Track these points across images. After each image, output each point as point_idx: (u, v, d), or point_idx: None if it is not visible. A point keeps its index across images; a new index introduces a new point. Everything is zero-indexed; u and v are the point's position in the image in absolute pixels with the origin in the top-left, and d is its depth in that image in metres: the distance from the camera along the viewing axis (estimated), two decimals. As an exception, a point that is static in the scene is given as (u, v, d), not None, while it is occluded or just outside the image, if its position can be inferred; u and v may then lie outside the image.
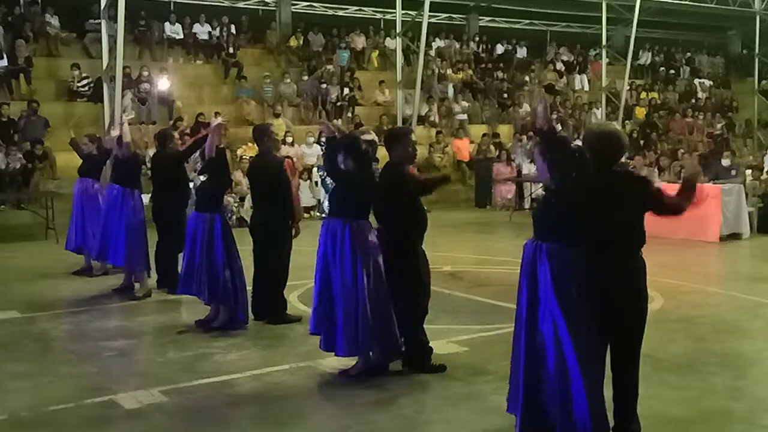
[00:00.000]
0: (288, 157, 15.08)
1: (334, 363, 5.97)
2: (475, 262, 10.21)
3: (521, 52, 24.41)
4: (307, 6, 23.14)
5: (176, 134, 9.86)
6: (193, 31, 19.64)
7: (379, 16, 24.21)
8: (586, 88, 24.36)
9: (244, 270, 7.15)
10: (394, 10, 19.43)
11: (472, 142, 19.55)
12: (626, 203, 4.19)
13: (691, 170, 4.43)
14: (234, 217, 14.35)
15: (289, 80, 19.18)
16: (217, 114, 15.44)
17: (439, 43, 23.06)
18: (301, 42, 21.07)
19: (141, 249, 8.76)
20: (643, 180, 4.41)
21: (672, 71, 26.72)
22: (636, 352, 4.26)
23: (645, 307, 4.26)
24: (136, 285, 8.71)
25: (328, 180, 16.18)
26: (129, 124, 9.29)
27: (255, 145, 8.05)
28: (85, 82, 16.93)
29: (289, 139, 16.76)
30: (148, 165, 12.18)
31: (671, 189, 4.44)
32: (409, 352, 5.78)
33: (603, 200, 4.18)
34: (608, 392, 4.19)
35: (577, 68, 24.73)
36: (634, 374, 4.27)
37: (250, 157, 12.20)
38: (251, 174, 7.66)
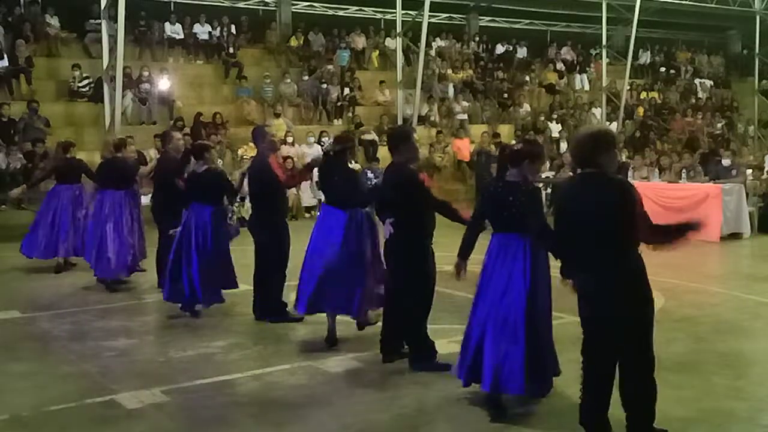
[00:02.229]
0: (289, 157, 15.21)
1: (335, 363, 5.99)
2: (477, 262, 10.21)
3: (521, 52, 24.41)
4: (308, 6, 23.14)
5: (179, 134, 9.96)
6: (194, 31, 19.65)
7: (379, 16, 24.20)
8: (587, 88, 24.36)
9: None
10: (395, 10, 19.42)
11: (472, 141, 19.54)
12: (606, 204, 4.15)
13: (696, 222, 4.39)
14: (234, 216, 14.32)
15: (289, 80, 19.18)
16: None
17: (439, 43, 23.05)
18: (302, 42, 21.07)
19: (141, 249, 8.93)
20: (628, 192, 4.17)
21: (672, 71, 26.72)
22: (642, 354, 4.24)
23: (640, 307, 4.22)
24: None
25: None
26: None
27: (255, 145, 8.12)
28: (85, 82, 16.94)
29: (290, 139, 16.76)
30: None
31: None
32: (414, 351, 5.80)
33: (582, 199, 4.23)
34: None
35: (578, 68, 24.74)
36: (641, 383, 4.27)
37: (251, 157, 12.25)
38: (249, 174, 7.72)
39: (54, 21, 18.15)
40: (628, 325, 4.16)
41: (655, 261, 4.60)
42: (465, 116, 20.52)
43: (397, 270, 5.81)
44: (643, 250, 4.22)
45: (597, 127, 4.74)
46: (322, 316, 7.48)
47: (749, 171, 14.80)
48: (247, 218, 9.37)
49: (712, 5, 22.76)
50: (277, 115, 17.81)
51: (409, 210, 5.73)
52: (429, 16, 18.52)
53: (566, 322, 5.77)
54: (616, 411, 4.31)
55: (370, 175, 16.73)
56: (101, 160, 9.85)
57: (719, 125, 23.98)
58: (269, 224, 7.30)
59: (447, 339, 6.31)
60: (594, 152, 4.22)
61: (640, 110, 23.63)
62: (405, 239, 5.72)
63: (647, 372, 4.23)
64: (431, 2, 17.99)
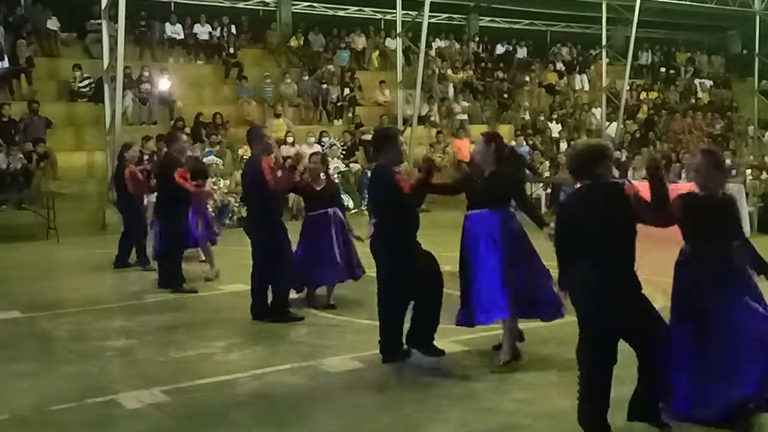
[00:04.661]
0: (289, 157, 15.20)
1: (335, 363, 5.99)
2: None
3: (521, 52, 24.41)
4: (308, 6, 23.15)
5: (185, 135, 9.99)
6: (194, 31, 19.66)
7: (379, 16, 24.21)
8: (586, 88, 24.36)
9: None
10: (395, 11, 19.43)
11: (472, 142, 19.54)
12: (605, 214, 4.26)
13: (648, 161, 4.44)
14: (234, 217, 14.37)
15: (289, 80, 19.19)
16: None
17: (439, 43, 23.07)
18: (302, 42, 21.08)
19: None
20: (624, 199, 4.30)
21: (672, 71, 26.72)
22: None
23: (638, 309, 4.30)
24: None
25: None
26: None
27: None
28: (86, 82, 16.94)
29: (290, 139, 16.78)
30: None
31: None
32: (413, 330, 5.91)
33: (582, 211, 4.34)
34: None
35: (578, 68, 24.74)
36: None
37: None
38: (242, 176, 7.72)
39: (54, 21, 18.16)
40: (625, 323, 4.25)
41: (655, 261, 4.62)
42: (465, 116, 20.53)
43: (382, 270, 5.87)
44: (638, 251, 4.27)
45: (592, 141, 4.78)
46: (322, 316, 7.51)
47: (749, 171, 14.80)
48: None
49: (712, 5, 22.74)
50: (278, 116, 17.83)
51: (388, 211, 5.80)
52: (429, 16, 18.50)
53: (566, 322, 5.77)
54: (616, 412, 4.33)
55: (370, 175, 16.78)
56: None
57: (719, 125, 23.97)
58: (264, 225, 7.31)
59: (446, 339, 6.31)
60: (592, 164, 4.33)
61: (644, 108, 23.63)
62: (386, 240, 5.78)
63: (653, 358, 4.33)
64: (431, 2, 17.98)
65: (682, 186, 13.62)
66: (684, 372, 4.44)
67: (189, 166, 9.47)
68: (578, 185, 4.46)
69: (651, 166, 4.32)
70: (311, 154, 8.41)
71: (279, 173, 7.35)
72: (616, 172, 15.03)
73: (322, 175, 7.96)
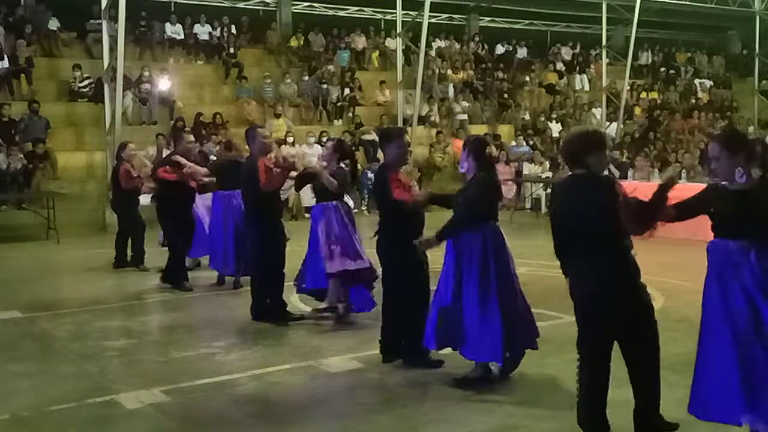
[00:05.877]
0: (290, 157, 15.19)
1: (335, 363, 5.99)
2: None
3: (521, 52, 24.42)
4: (308, 6, 23.15)
5: (191, 136, 9.82)
6: (194, 31, 19.67)
7: (379, 16, 24.23)
8: (587, 88, 24.38)
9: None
10: (395, 11, 19.43)
11: (472, 142, 19.55)
12: (595, 204, 4.15)
13: (669, 175, 4.01)
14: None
15: (289, 80, 19.19)
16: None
17: (439, 43, 23.07)
18: (302, 42, 21.10)
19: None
20: (613, 190, 4.10)
21: (672, 71, 26.74)
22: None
23: (636, 303, 4.23)
24: None
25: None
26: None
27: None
28: (86, 82, 16.94)
29: (290, 140, 16.78)
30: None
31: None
32: (406, 348, 5.84)
33: (572, 201, 4.25)
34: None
35: (578, 68, 24.75)
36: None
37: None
38: (241, 176, 7.70)
39: (55, 21, 18.17)
40: (624, 322, 4.21)
41: (655, 261, 4.62)
42: (465, 116, 20.53)
43: (386, 269, 5.89)
44: (637, 252, 4.23)
45: (587, 127, 4.68)
46: (322, 316, 7.50)
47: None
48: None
49: (712, 5, 22.76)
50: (278, 116, 17.84)
51: (387, 211, 5.82)
52: (429, 16, 18.52)
53: (566, 322, 5.77)
54: (616, 411, 4.33)
55: (370, 175, 16.79)
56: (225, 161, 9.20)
57: (719, 125, 23.98)
58: (262, 225, 7.32)
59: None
60: (582, 152, 4.24)
61: (638, 110, 23.63)
62: (390, 240, 5.79)
63: (651, 365, 4.29)
64: (431, 2, 17.99)
65: (682, 186, 13.67)
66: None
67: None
68: (570, 173, 4.37)
69: (668, 184, 3.95)
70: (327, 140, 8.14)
71: (276, 171, 7.35)
72: (616, 173, 15.05)
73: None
